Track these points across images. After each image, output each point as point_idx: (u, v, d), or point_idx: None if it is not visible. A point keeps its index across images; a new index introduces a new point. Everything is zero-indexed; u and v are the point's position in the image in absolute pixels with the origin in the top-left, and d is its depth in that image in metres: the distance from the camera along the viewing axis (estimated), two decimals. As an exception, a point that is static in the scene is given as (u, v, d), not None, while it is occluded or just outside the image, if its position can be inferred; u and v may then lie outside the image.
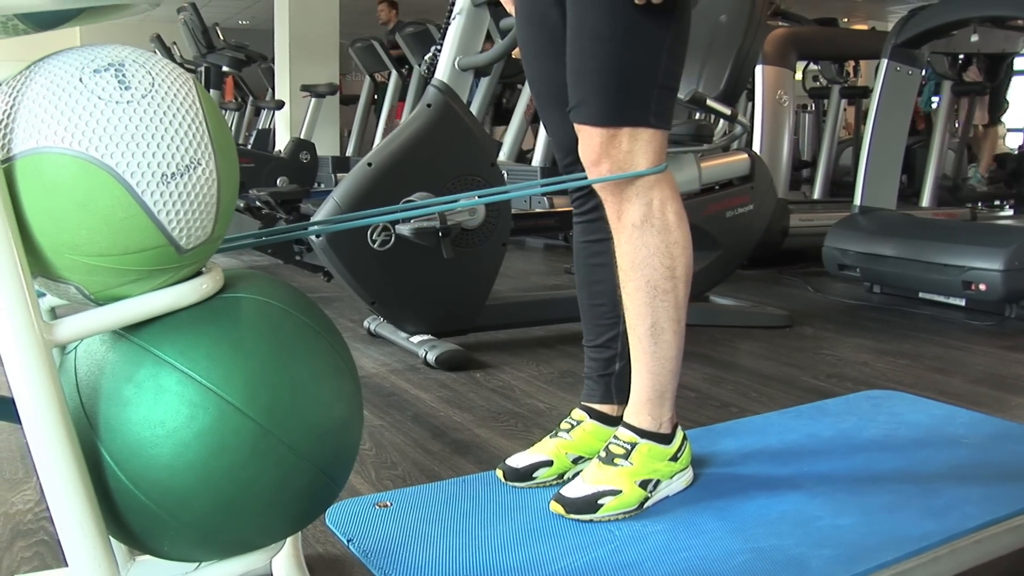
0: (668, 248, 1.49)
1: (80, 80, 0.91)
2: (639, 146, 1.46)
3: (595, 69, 1.46)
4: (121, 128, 0.90)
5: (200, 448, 0.94)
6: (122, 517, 0.98)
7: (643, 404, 1.54)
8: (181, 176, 0.93)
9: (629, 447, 1.52)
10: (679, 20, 1.46)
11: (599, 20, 1.44)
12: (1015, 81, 6.65)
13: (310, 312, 1.08)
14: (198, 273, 1.02)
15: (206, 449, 0.94)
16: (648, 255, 1.48)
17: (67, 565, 0.98)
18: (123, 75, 0.93)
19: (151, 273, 0.96)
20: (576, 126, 1.50)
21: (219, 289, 1.03)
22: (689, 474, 1.58)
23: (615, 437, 1.56)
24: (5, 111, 0.91)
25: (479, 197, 1.51)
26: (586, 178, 1.52)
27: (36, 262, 0.93)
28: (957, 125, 6.46)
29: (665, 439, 1.54)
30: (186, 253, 0.97)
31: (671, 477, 1.54)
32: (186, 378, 0.94)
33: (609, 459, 1.52)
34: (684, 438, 1.58)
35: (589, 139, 1.48)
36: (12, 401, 0.92)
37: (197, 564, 1.07)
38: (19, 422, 0.92)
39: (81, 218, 0.90)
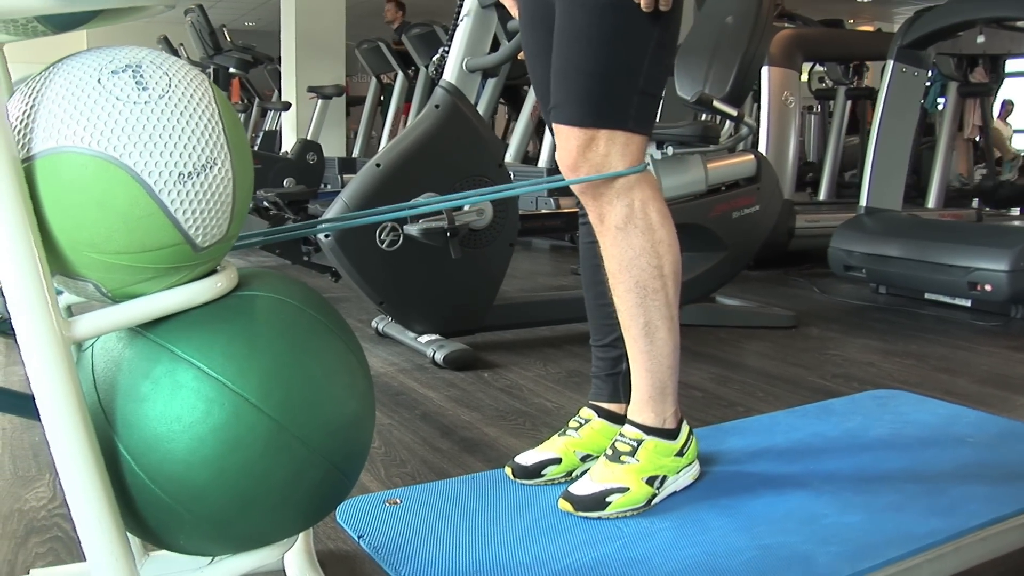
0: (654, 247, 1.49)
1: (99, 81, 0.93)
2: (616, 149, 1.46)
3: (577, 70, 1.47)
4: (139, 128, 0.92)
5: (216, 443, 0.95)
6: (138, 511, 1.00)
7: (645, 402, 1.55)
8: (198, 175, 0.95)
9: (635, 444, 1.53)
10: (665, 28, 1.47)
11: (585, 22, 1.45)
12: (1008, 82, 6.65)
13: (323, 310, 1.09)
14: (213, 271, 1.04)
15: (221, 444, 0.95)
16: (634, 256, 1.49)
17: (84, 559, 0.99)
18: (141, 76, 0.94)
19: (167, 271, 0.98)
20: (555, 127, 1.51)
21: (234, 287, 1.05)
22: (696, 468, 1.59)
23: (621, 435, 1.57)
24: (25, 111, 0.93)
25: (482, 195, 1.55)
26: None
27: (55, 260, 0.95)
28: (971, 124, 6.47)
29: (670, 434, 1.55)
30: (202, 251, 0.98)
31: (678, 472, 1.55)
32: (202, 374, 0.96)
33: (616, 457, 1.53)
34: (690, 432, 1.59)
35: (567, 141, 1.48)
36: (31, 397, 0.93)
37: (211, 559, 1.09)
38: (38, 418, 0.94)
39: (99, 216, 0.92)
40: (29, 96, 0.94)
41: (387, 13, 8.96)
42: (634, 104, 1.47)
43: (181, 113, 0.94)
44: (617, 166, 1.47)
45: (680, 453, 1.55)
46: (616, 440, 1.56)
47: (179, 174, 0.93)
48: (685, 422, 1.59)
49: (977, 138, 6.90)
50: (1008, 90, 6.85)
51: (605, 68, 1.46)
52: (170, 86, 0.95)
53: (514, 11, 1.73)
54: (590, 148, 1.46)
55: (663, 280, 1.50)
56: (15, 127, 0.93)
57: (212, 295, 1.01)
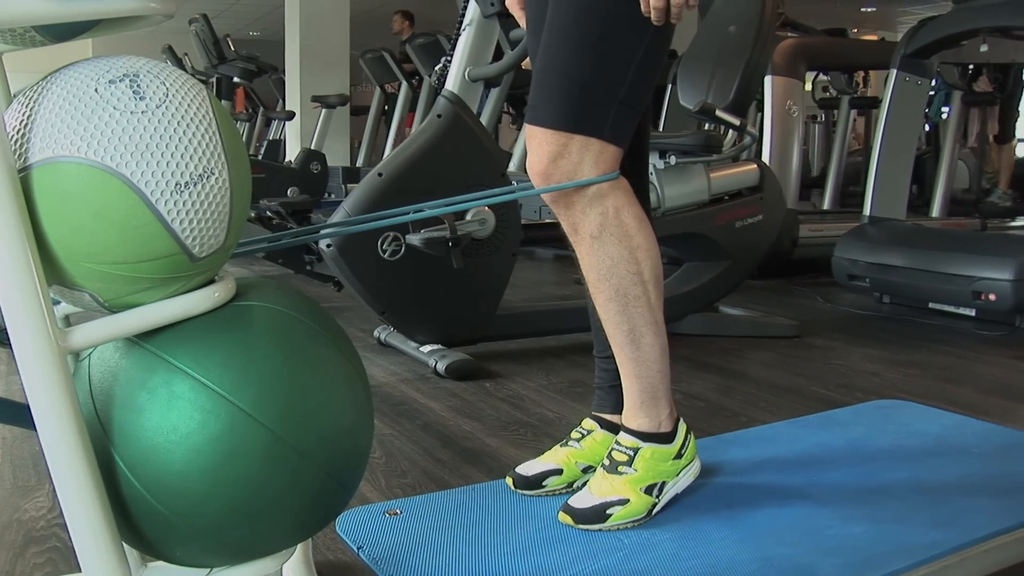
0: (631, 254, 1.46)
1: (96, 90, 0.93)
2: (589, 158, 1.43)
3: (559, 71, 1.45)
4: (136, 138, 0.91)
5: (212, 454, 0.95)
6: (135, 522, 0.99)
7: (638, 407, 1.54)
8: (195, 185, 0.94)
9: (632, 453, 1.52)
10: (656, 40, 1.44)
11: (572, 23, 1.44)
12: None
13: (321, 320, 1.09)
14: (211, 281, 1.04)
15: (218, 455, 0.95)
16: (612, 264, 1.46)
17: (80, 571, 0.99)
18: (138, 85, 0.94)
19: (164, 281, 0.97)
20: (528, 129, 1.48)
21: (231, 297, 1.04)
22: (696, 466, 1.58)
23: (617, 443, 1.55)
24: (22, 121, 0.93)
25: (476, 200, 1.55)
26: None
27: (51, 270, 0.94)
28: (974, 133, 6.44)
29: (666, 438, 1.54)
30: (199, 261, 0.98)
31: (677, 475, 1.54)
32: (199, 385, 0.95)
33: (613, 467, 1.52)
34: (687, 431, 1.58)
35: (539, 145, 1.45)
36: (27, 407, 0.93)
37: (209, 570, 1.08)
38: (34, 428, 0.93)
39: (96, 226, 0.91)
40: (26, 105, 0.94)
41: (394, 24, 8.98)
42: (612, 113, 1.44)
43: (178, 123, 0.94)
44: (587, 174, 1.43)
45: (678, 455, 1.54)
46: (612, 449, 1.55)
47: (176, 184, 0.93)
48: (682, 421, 1.58)
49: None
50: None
51: (588, 72, 1.43)
52: (167, 96, 0.95)
53: (522, 21, 1.73)
54: (562, 155, 1.43)
55: (644, 286, 1.48)
56: (12, 136, 0.93)
57: (209, 305, 1.01)
